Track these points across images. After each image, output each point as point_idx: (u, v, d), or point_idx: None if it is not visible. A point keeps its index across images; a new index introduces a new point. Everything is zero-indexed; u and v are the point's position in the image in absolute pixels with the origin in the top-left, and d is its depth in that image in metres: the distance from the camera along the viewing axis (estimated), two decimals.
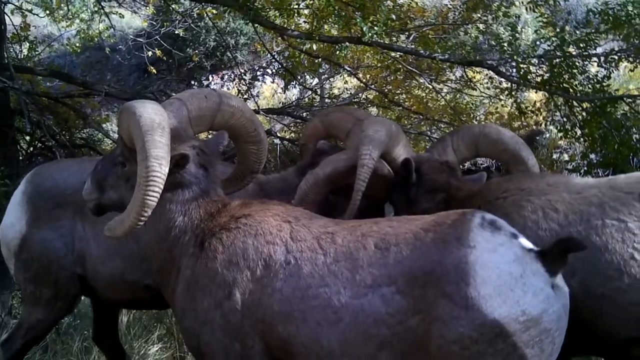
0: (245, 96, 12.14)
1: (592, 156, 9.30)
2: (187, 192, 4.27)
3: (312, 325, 3.79)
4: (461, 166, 5.73)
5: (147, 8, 14.04)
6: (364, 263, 3.80)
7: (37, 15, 11.76)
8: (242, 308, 3.94)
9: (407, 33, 9.58)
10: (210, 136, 5.25)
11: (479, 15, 10.00)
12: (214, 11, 11.58)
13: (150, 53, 12.91)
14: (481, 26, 9.96)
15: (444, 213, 4.03)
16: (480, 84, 10.82)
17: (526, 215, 4.50)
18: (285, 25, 8.98)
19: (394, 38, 8.98)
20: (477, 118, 10.95)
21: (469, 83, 10.73)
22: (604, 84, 8.49)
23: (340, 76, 12.13)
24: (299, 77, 10.70)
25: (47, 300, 5.64)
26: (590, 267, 4.21)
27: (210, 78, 16.35)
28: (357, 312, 3.72)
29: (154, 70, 13.95)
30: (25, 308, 5.82)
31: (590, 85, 8.49)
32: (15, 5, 11.30)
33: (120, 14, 12.39)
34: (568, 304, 3.76)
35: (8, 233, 5.66)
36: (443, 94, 10.98)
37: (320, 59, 10.36)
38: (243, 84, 12.90)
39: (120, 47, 15.64)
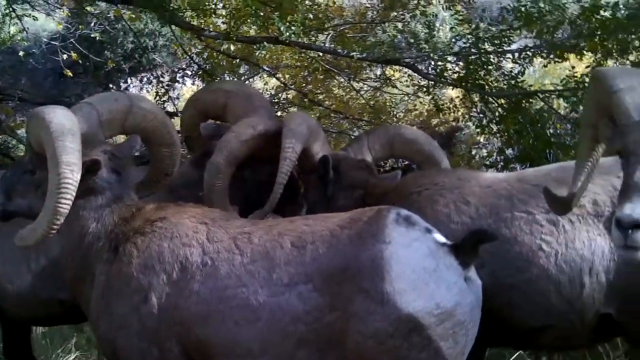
0: (164, 98, 12.00)
1: (509, 151, 9.46)
2: (100, 198, 4.21)
3: (230, 325, 3.78)
4: (381, 165, 5.80)
5: (62, 10, 13.75)
6: (280, 262, 3.81)
7: None
8: (158, 312, 3.90)
9: (325, 32, 9.59)
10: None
11: (396, 13, 10.08)
12: (131, 14, 11.42)
13: (65, 56, 12.64)
14: (399, 25, 10.04)
15: (360, 210, 4.07)
16: (399, 82, 10.91)
17: (439, 209, 4.59)
18: (202, 26, 8.90)
19: (312, 37, 8.98)
20: (397, 116, 11.03)
21: (388, 81, 10.81)
22: (519, 79, 8.64)
23: (260, 77, 12.08)
24: (218, 78, 10.61)
25: None
26: (499, 259, 4.31)
27: (129, 81, 16.08)
28: (274, 310, 3.73)
29: (71, 74, 13.67)
30: None
31: (505, 82, 8.64)
32: None
33: (33, 16, 12.08)
34: (481, 296, 3.82)
35: None
36: (362, 93, 11.04)
37: (238, 60, 10.30)
38: (161, 87, 12.75)
39: (34, 50, 15.29)
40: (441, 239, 3.80)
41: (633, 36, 7.80)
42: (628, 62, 8.02)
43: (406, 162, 9.53)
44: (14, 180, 4.34)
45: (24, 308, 5.49)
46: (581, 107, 8.08)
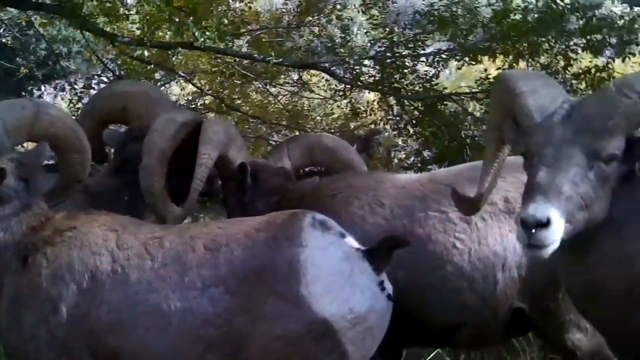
0: (79, 105, 11.77)
1: (426, 153, 9.59)
2: (7, 207, 4.06)
3: (141, 332, 3.72)
4: (299, 173, 5.82)
5: None
6: (192, 265, 3.76)
7: None
8: (68, 322, 3.80)
9: (241, 37, 9.58)
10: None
11: (312, 18, 10.13)
12: (42, 19, 11.18)
13: None
14: (315, 29, 10.09)
15: (275, 213, 4.08)
16: (317, 87, 10.96)
17: (353, 212, 4.60)
18: (116, 32, 8.77)
19: (228, 43, 8.95)
20: (315, 120, 11.07)
21: (305, 86, 10.85)
22: (434, 82, 8.78)
23: (176, 82, 11.97)
24: None
25: None
26: (415, 258, 4.33)
27: (43, 88, 15.77)
28: (185, 314, 3.68)
29: None
30: None
31: (420, 85, 8.77)
32: None
33: None
34: (392, 302, 3.83)
35: None
36: (280, 98, 11.04)
37: (152, 65, 10.18)
38: (75, 94, 12.51)
39: None
40: (355, 244, 3.82)
41: (543, 39, 8.00)
42: (539, 64, 8.23)
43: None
44: None
45: None
46: None
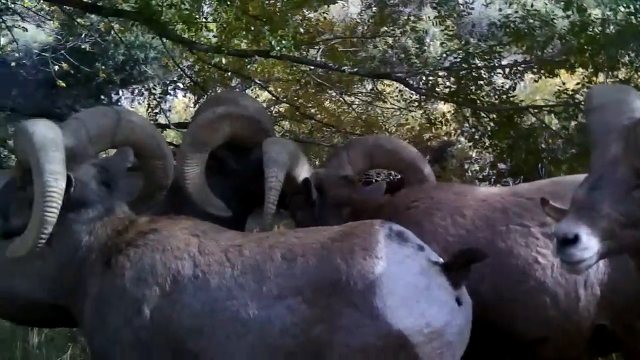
0: (156, 110, 11.98)
1: (501, 166, 9.48)
2: (91, 211, 4.18)
3: (221, 339, 3.76)
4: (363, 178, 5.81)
5: (52, 22, 13.72)
6: (270, 274, 3.79)
7: None
8: (151, 324, 3.87)
9: (316, 47, 9.62)
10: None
11: (386, 28, 10.12)
12: (120, 25, 11.41)
13: (57, 67, 12.61)
14: (389, 40, 10.08)
15: (352, 223, 4.07)
16: (391, 96, 10.93)
17: (436, 222, 4.60)
18: (193, 39, 8.90)
19: (303, 52, 9.00)
20: (389, 130, 11.05)
21: (379, 95, 10.83)
22: (510, 94, 8.68)
23: (252, 90, 12.08)
24: (209, 91, 10.60)
25: None
26: (498, 271, 4.30)
27: (120, 92, 16.04)
28: (263, 323, 3.71)
29: (64, 84, 13.63)
30: None
31: (496, 97, 8.67)
32: None
33: (23, 27, 12.07)
34: (471, 317, 3.81)
35: None
36: (354, 107, 11.05)
37: (230, 73, 10.29)
38: (153, 99, 12.73)
39: (25, 62, 15.24)
40: (433, 257, 3.79)
41: (622, 51, 7.84)
42: (618, 78, 8.06)
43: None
44: (7, 199, 4.32)
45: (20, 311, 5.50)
46: (572, 123, 8.13)
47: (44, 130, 3.96)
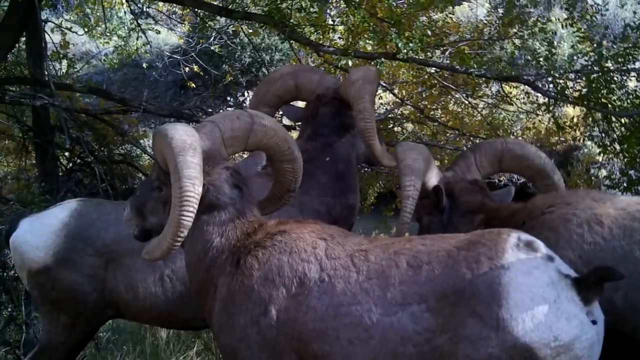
0: (281, 112, 12.13)
1: (632, 172, 9.15)
2: (223, 214, 4.29)
3: (345, 343, 3.79)
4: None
5: (183, 25, 14.14)
6: (395, 281, 3.80)
7: (75, 33, 11.89)
8: (277, 324, 3.96)
9: (442, 48, 9.53)
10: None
11: (514, 30, 9.93)
12: (249, 29, 11.64)
13: (187, 69, 13.00)
14: (517, 41, 9.89)
15: (479, 232, 4.03)
16: (517, 99, 10.72)
17: (572, 229, 4.48)
18: (320, 42, 8.98)
19: (429, 54, 8.94)
20: (514, 133, 10.84)
21: (505, 98, 10.64)
22: None
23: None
24: None
25: (65, 325, 5.61)
26: (634, 281, 4.16)
27: (246, 94, 16.37)
28: (387, 330, 3.72)
29: (193, 85, 14.02)
30: (45, 327, 5.76)
31: (629, 101, 8.38)
32: (55, 23, 11.48)
33: (156, 30, 12.49)
34: (602, 332, 3.69)
35: (29, 251, 5.53)
36: (479, 109, 10.90)
37: None
38: None
39: (156, 63, 15.75)
40: (564, 269, 3.70)
41: None
42: None
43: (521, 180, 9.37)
44: (144, 199, 4.51)
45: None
46: None
47: (183, 135, 4.08)
